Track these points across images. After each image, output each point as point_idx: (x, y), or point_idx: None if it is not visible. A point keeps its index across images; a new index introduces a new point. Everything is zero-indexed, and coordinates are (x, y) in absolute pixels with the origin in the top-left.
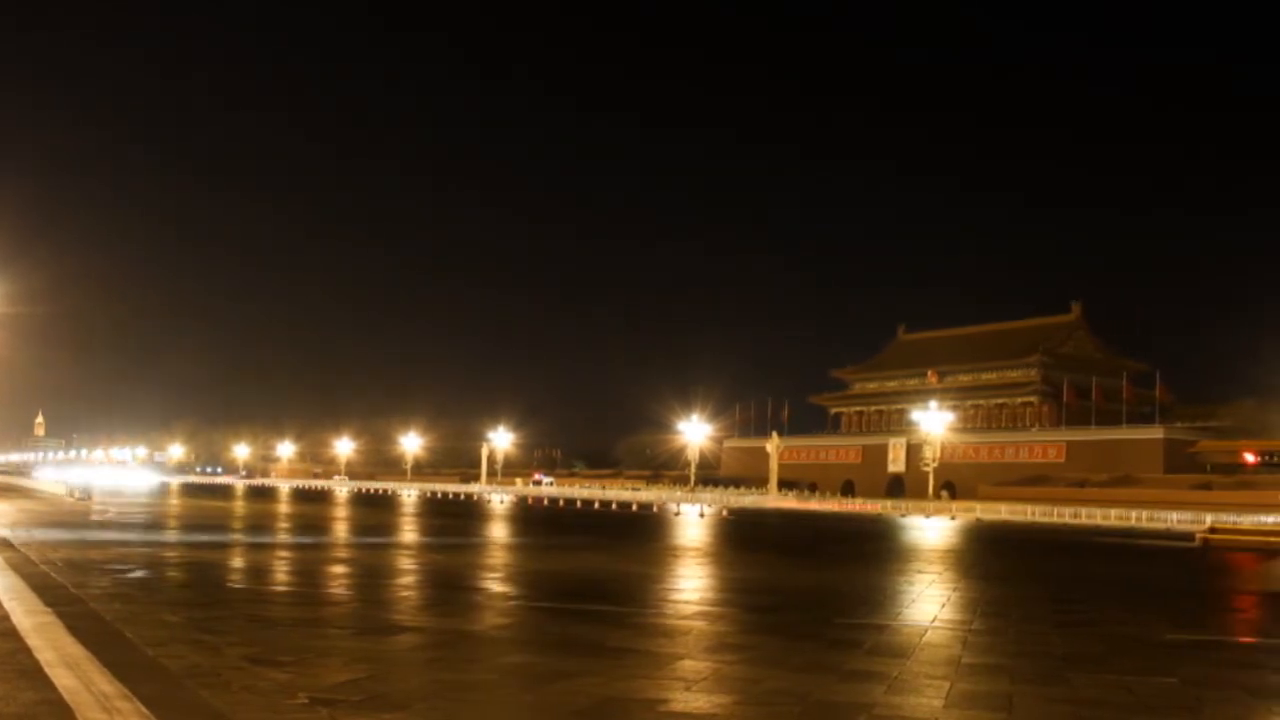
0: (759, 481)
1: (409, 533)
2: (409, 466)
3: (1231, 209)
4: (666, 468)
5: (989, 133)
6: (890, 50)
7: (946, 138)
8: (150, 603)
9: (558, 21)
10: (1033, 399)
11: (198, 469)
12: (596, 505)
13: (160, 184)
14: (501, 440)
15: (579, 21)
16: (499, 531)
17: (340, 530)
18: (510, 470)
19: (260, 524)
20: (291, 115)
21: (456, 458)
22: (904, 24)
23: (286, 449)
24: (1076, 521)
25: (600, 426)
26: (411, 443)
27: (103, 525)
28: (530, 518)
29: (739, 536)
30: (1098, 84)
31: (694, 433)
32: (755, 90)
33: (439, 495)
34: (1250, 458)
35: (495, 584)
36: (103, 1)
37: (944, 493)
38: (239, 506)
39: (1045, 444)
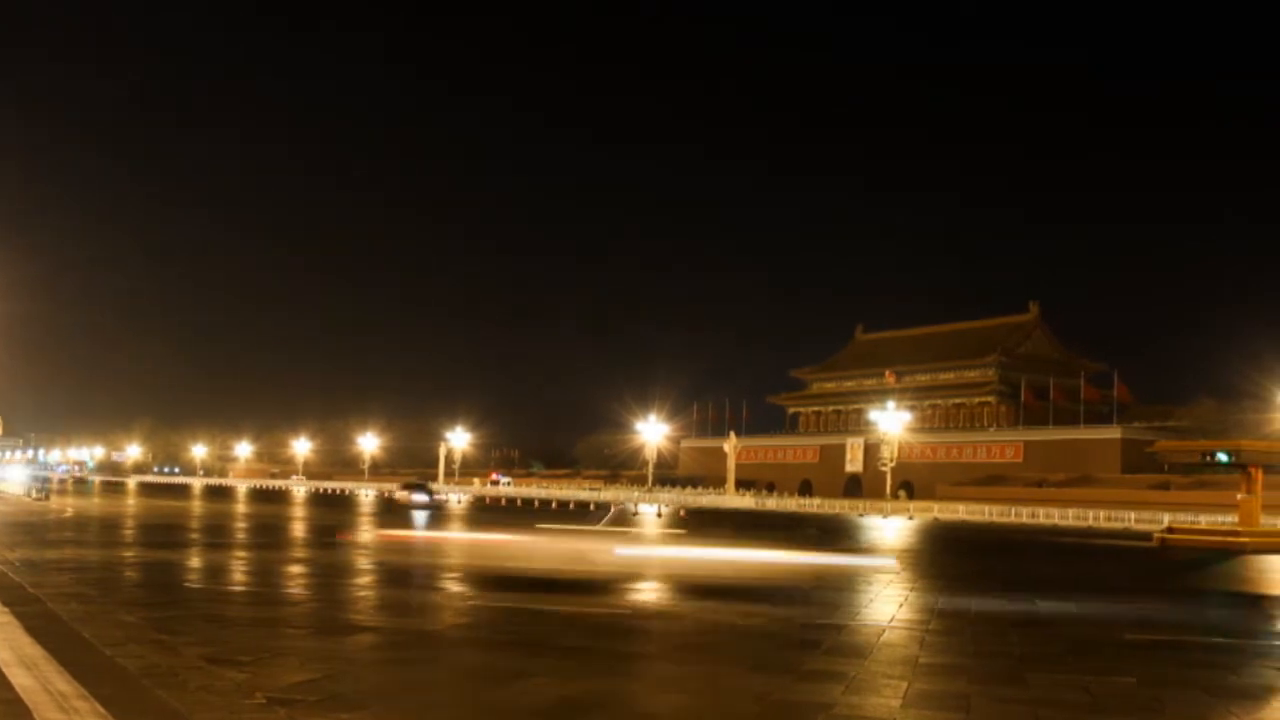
0: (717, 481)
1: (366, 533)
2: (367, 466)
3: (1191, 213)
4: (624, 468)
5: (948, 138)
6: (848, 62)
7: (905, 144)
8: (108, 602)
9: (516, 39)
10: (990, 399)
11: (156, 469)
12: (554, 505)
13: (117, 187)
14: (459, 440)
15: (536, 37)
16: (456, 532)
17: (298, 530)
18: (468, 470)
19: (218, 524)
20: (246, 121)
21: (414, 458)
22: (864, 37)
23: (244, 449)
24: (1034, 521)
25: (558, 427)
26: (369, 443)
27: (61, 525)
28: (488, 518)
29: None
30: (1055, 90)
31: (651, 433)
32: (714, 100)
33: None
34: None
35: (453, 583)
36: (46, 10)
37: (902, 492)
38: (197, 506)
39: (1003, 444)
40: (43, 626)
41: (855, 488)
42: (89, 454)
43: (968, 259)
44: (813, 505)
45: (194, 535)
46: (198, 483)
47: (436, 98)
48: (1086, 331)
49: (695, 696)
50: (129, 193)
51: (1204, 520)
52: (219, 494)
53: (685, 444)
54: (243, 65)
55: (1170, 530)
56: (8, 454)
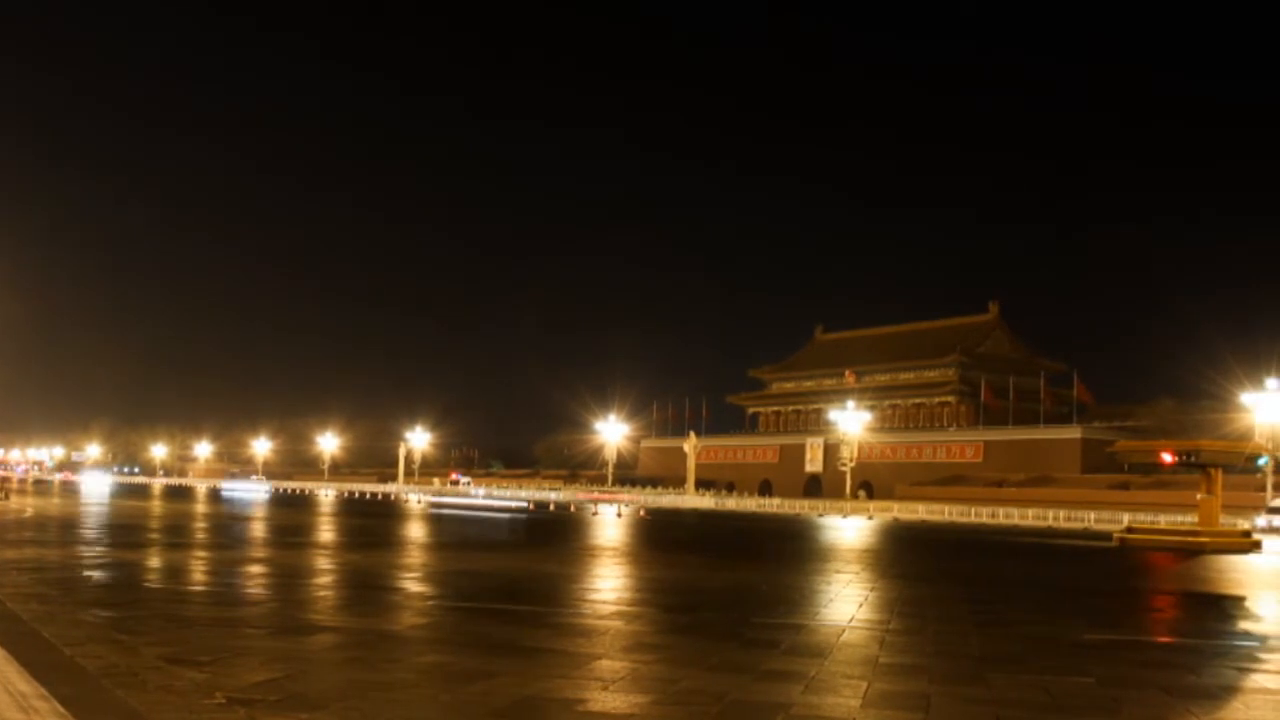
0: (676, 481)
1: (326, 533)
2: (326, 466)
3: (1151, 213)
4: (584, 467)
5: (908, 139)
6: (808, 63)
7: (865, 144)
8: (68, 602)
9: (475, 39)
10: (950, 399)
11: (115, 469)
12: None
13: (75, 188)
14: (419, 440)
15: (495, 38)
16: (416, 531)
17: (257, 530)
18: (428, 470)
19: (178, 524)
20: (205, 122)
21: (374, 457)
22: (824, 38)
23: (204, 449)
24: (994, 521)
25: (518, 426)
26: (329, 442)
27: (20, 525)
28: (447, 518)
29: (656, 536)
30: (1015, 90)
31: (611, 432)
32: (672, 103)
33: (356, 495)
34: (1167, 457)
35: (413, 584)
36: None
37: (861, 492)
38: (157, 506)
39: (963, 444)
40: (2, 627)
41: (815, 488)
42: (48, 454)
43: (928, 259)
44: (772, 505)
45: (154, 536)
46: (158, 483)
47: (395, 98)
48: (1046, 332)
49: (655, 696)
50: (88, 194)
51: (1163, 520)
52: (179, 494)
53: (645, 444)
54: (200, 67)
55: (1130, 530)
56: None
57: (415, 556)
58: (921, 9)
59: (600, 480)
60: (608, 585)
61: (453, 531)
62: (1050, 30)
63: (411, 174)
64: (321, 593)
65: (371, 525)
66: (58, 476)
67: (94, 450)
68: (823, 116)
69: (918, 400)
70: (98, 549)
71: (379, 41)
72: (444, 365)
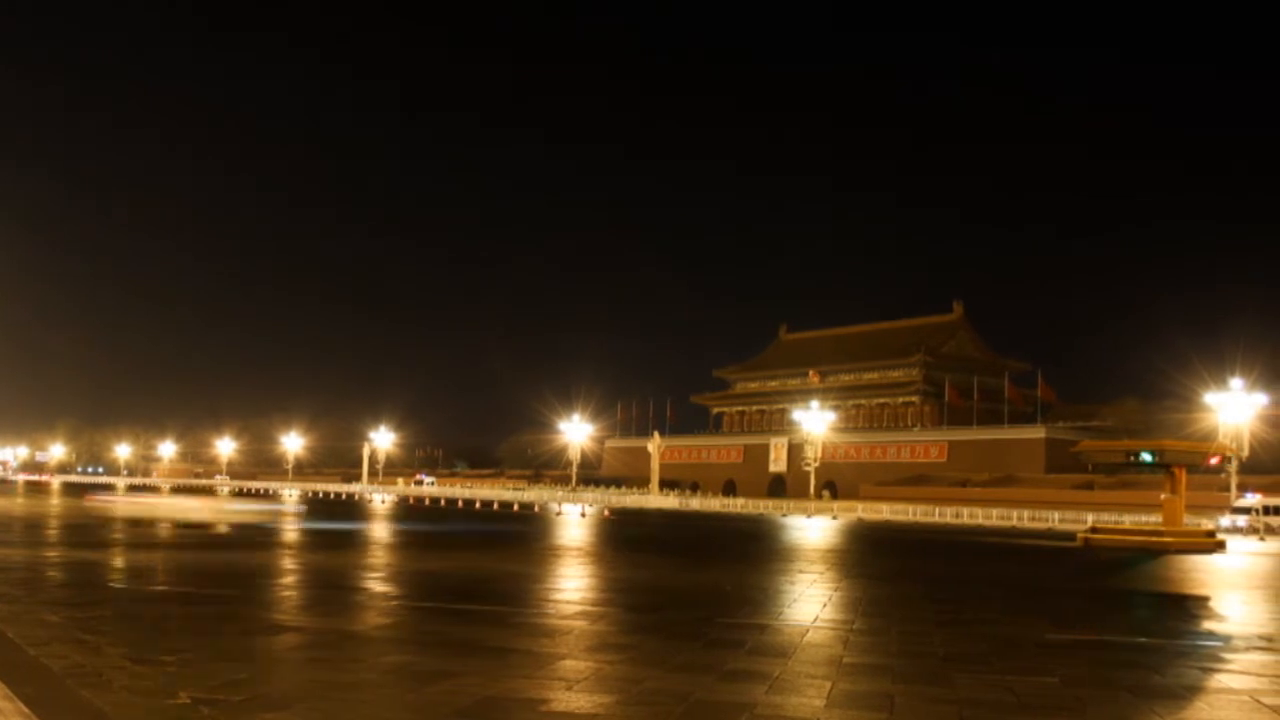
0: (641, 481)
1: (290, 532)
2: (291, 466)
3: (1116, 214)
4: (548, 467)
5: (874, 138)
6: (773, 62)
7: (831, 143)
8: (31, 602)
9: (443, 36)
10: (914, 399)
11: (79, 469)
12: (478, 505)
13: (38, 187)
14: (383, 440)
15: (464, 36)
16: (380, 531)
17: (222, 529)
18: (392, 470)
19: (143, 523)
20: (166, 120)
21: (338, 457)
22: (790, 36)
23: (168, 449)
24: (958, 521)
25: (482, 427)
26: (293, 442)
27: None
28: (412, 518)
29: (621, 536)
30: (976, 86)
31: (575, 433)
32: (637, 104)
33: (320, 495)
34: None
35: (376, 584)
36: None
37: (826, 492)
38: (123, 506)
39: (927, 444)
40: None
41: (779, 488)
42: (12, 454)
43: (892, 259)
44: (736, 505)
45: (117, 535)
46: (122, 483)
47: (356, 97)
48: (1011, 331)
49: (619, 696)
50: (54, 195)
51: (1128, 520)
52: (144, 494)
53: (609, 444)
54: (165, 67)
55: (1094, 530)
56: None
57: (378, 556)
58: (887, 7)
59: (564, 480)
60: (572, 585)
61: (417, 531)
62: (1017, 28)
63: (375, 175)
64: (286, 593)
65: (337, 525)
66: (21, 477)
67: (58, 450)
68: (789, 116)
69: (882, 400)
70: (62, 549)
71: (340, 44)
72: (409, 365)
